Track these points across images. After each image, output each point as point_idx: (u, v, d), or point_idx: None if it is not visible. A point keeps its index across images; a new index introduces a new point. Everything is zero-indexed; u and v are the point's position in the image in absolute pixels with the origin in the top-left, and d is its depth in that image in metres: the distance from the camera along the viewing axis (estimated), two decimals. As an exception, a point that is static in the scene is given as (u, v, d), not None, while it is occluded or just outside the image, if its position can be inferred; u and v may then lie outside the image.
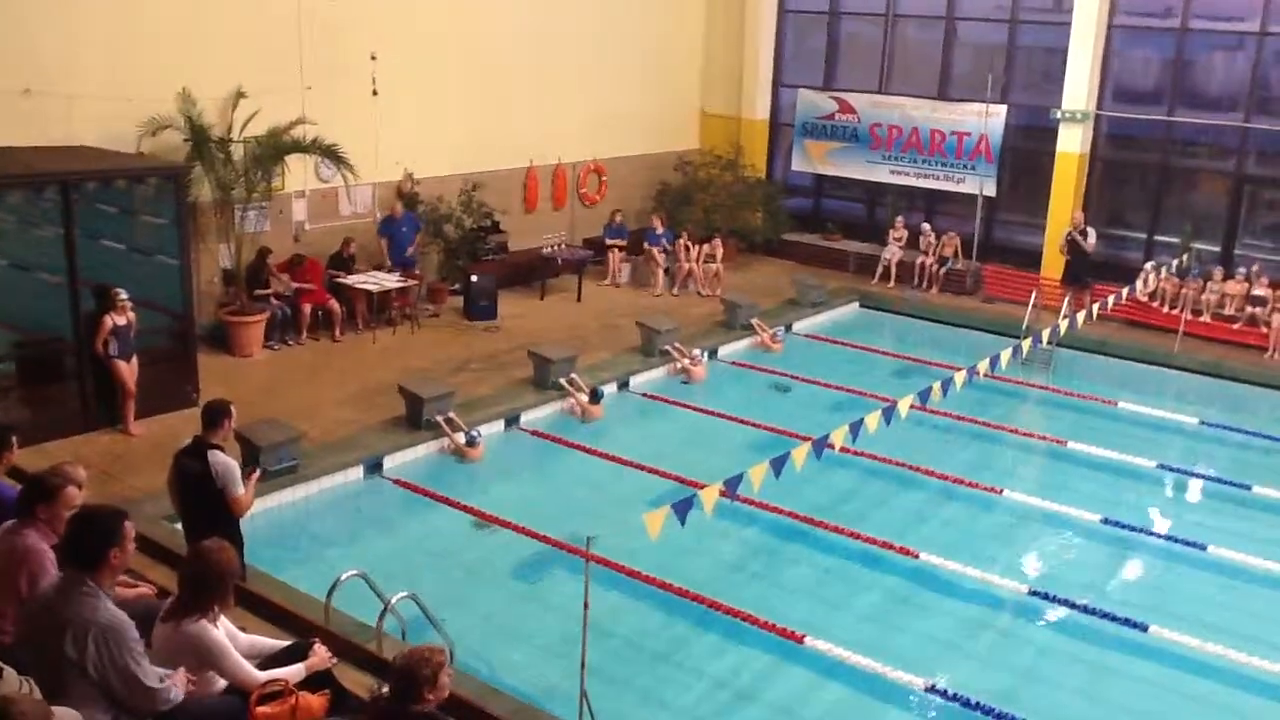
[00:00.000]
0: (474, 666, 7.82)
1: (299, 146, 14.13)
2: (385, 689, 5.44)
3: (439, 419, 11.93)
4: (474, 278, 16.29)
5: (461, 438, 11.81)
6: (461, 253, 16.81)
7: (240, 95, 13.84)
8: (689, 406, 13.71)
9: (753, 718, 7.98)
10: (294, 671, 6.02)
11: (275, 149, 13.92)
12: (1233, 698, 8.45)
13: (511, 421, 12.87)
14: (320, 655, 6.22)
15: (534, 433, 12.77)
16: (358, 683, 6.80)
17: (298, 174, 14.92)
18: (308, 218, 15.48)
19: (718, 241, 19.04)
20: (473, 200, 16.96)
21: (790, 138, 21.71)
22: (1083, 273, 17.41)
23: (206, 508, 7.73)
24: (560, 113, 18.68)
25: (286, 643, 6.47)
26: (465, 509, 10.65)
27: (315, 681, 6.09)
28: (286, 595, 8.33)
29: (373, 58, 15.59)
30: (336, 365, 14.02)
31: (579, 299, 17.70)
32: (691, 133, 21.89)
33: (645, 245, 18.95)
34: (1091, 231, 17.50)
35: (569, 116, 18.88)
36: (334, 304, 14.99)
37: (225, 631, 5.90)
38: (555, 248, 18.53)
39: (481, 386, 13.48)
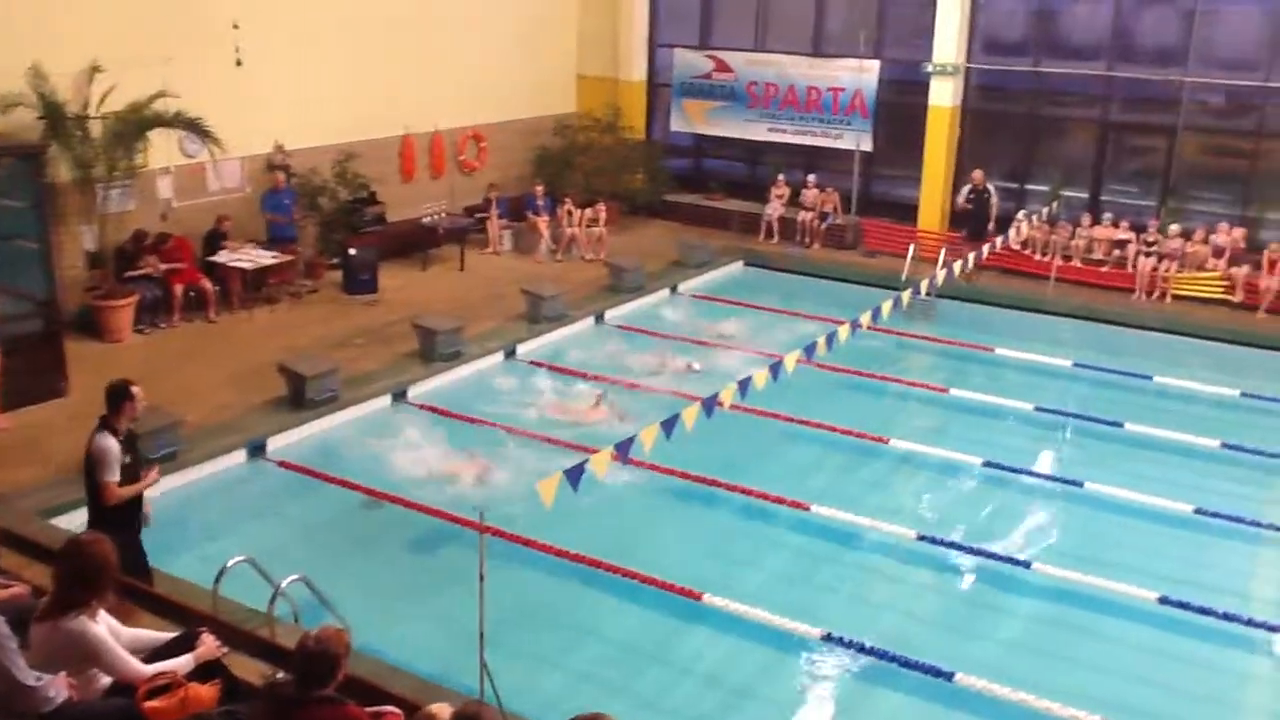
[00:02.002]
0: (373, 646, 7.69)
1: (161, 121, 13.58)
2: (281, 675, 5.30)
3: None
4: (352, 251, 15.93)
5: None
6: (338, 226, 16.41)
7: (95, 69, 13.22)
8: (580, 374, 13.65)
9: (655, 676, 8.03)
10: (182, 663, 5.84)
11: (136, 124, 13.36)
12: (1113, 626, 8.81)
13: (399, 396, 12.67)
14: (209, 645, 6.04)
15: (423, 406, 12.59)
16: (251, 670, 6.64)
17: (162, 150, 14.30)
18: (175, 195, 14.90)
19: (600, 205, 18.95)
20: (347, 171, 16.55)
21: (669, 98, 21.67)
22: (984, 229, 17.77)
23: (90, 488, 7.59)
24: (435, 79, 18.31)
25: (173, 635, 6.28)
26: (355, 487, 10.45)
27: (205, 672, 5.91)
28: (171, 586, 8.07)
29: (235, 26, 15.03)
30: (213, 347, 13.60)
31: (462, 268, 17.47)
32: (569, 96, 21.69)
33: (527, 212, 18.76)
34: (993, 189, 17.96)
35: (444, 83, 18.52)
36: (206, 284, 14.51)
37: (107, 627, 5.69)
38: (435, 217, 18.23)
39: (366, 362, 13.23)
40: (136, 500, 7.74)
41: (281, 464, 11.00)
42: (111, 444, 7.41)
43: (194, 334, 14.06)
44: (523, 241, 18.78)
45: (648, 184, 20.83)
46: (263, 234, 15.59)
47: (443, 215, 18.40)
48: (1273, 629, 8.67)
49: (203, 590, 7.78)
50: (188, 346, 13.57)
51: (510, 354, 14.16)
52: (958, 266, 14.00)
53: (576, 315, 15.38)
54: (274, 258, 14.96)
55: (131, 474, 7.61)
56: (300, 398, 11.76)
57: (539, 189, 18.86)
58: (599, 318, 15.71)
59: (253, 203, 15.72)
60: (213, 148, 13.86)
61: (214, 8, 14.82)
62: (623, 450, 8.08)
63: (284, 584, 7.30)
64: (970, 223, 18.11)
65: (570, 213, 18.67)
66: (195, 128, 13.77)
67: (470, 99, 19.02)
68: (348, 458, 11.18)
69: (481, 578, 6.94)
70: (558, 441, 11.28)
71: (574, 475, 7.68)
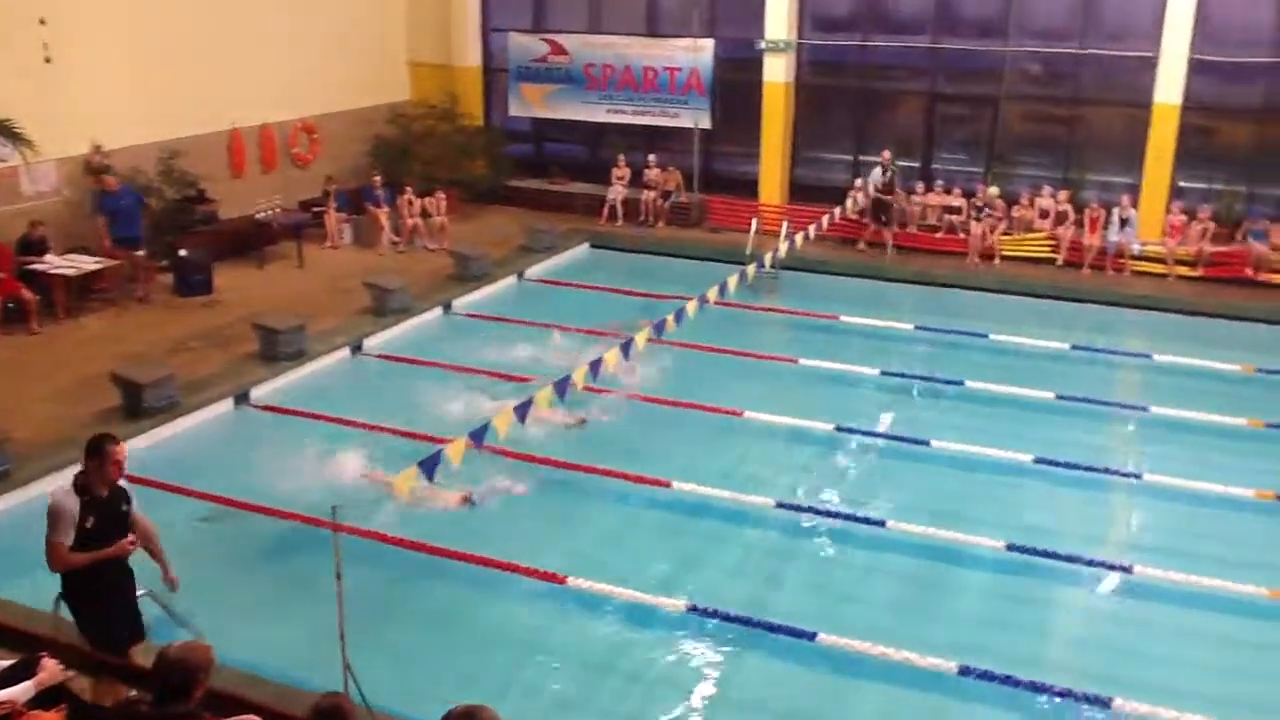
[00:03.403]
0: (232, 657, 7.40)
1: (-36, 123, 12.82)
2: (134, 693, 5.06)
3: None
4: (183, 252, 15.32)
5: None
6: (167, 226, 15.75)
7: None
8: (430, 363, 13.43)
9: (524, 664, 7.95)
10: (21, 690, 5.51)
11: (-64, 128, 12.58)
12: (966, 576, 9.13)
13: (241, 399, 12.24)
14: (50, 669, 5.71)
15: (267, 408, 12.19)
16: (100, 692, 6.32)
17: (-33, 154, 13.52)
18: (-16, 201, 14.10)
19: (440, 194, 18.65)
20: (173, 170, 15.90)
21: (505, 83, 21.47)
22: (887, 211, 18.02)
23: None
24: (261, 71, 17.72)
25: (10, 661, 5.92)
26: (201, 496, 10.04)
27: (49, 698, 5.59)
28: (8, 612, 7.62)
29: (42, 22, 14.25)
30: (38, 359, 12.90)
31: (301, 265, 16.98)
32: (402, 84, 21.26)
33: (366, 204, 18.35)
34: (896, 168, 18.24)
35: (271, 74, 17.95)
36: (26, 293, 13.74)
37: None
38: (270, 213, 17.66)
39: (204, 365, 12.75)
40: (116, 568, 6.72)
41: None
42: (68, 502, 6.47)
43: (15, 347, 13.31)
44: (363, 234, 18.36)
45: (488, 170, 20.61)
46: (87, 238, 14.82)
47: (277, 210, 17.83)
48: (1112, 567, 9.09)
49: (40, 614, 7.37)
50: (9, 360, 12.85)
51: (357, 349, 13.83)
52: (799, 238, 14.28)
53: (423, 306, 15.13)
54: (96, 263, 14.27)
55: (98, 540, 6.58)
56: (137, 407, 11.26)
57: (377, 179, 18.46)
58: (447, 307, 15.47)
59: (74, 206, 14.94)
60: (24, 150, 13.12)
61: (17, 3, 14.00)
62: (477, 437, 7.98)
63: (134, 598, 6.98)
64: (881, 207, 18.14)
65: (411, 202, 18.34)
66: (3, 130, 13.01)
67: (299, 89, 18.49)
68: (191, 466, 10.74)
69: (338, 577, 6.77)
70: (411, 434, 11.06)
71: (429, 466, 7.56)
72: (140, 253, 15.02)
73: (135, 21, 15.64)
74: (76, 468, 10.20)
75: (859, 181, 18.66)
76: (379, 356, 13.79)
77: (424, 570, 8.96)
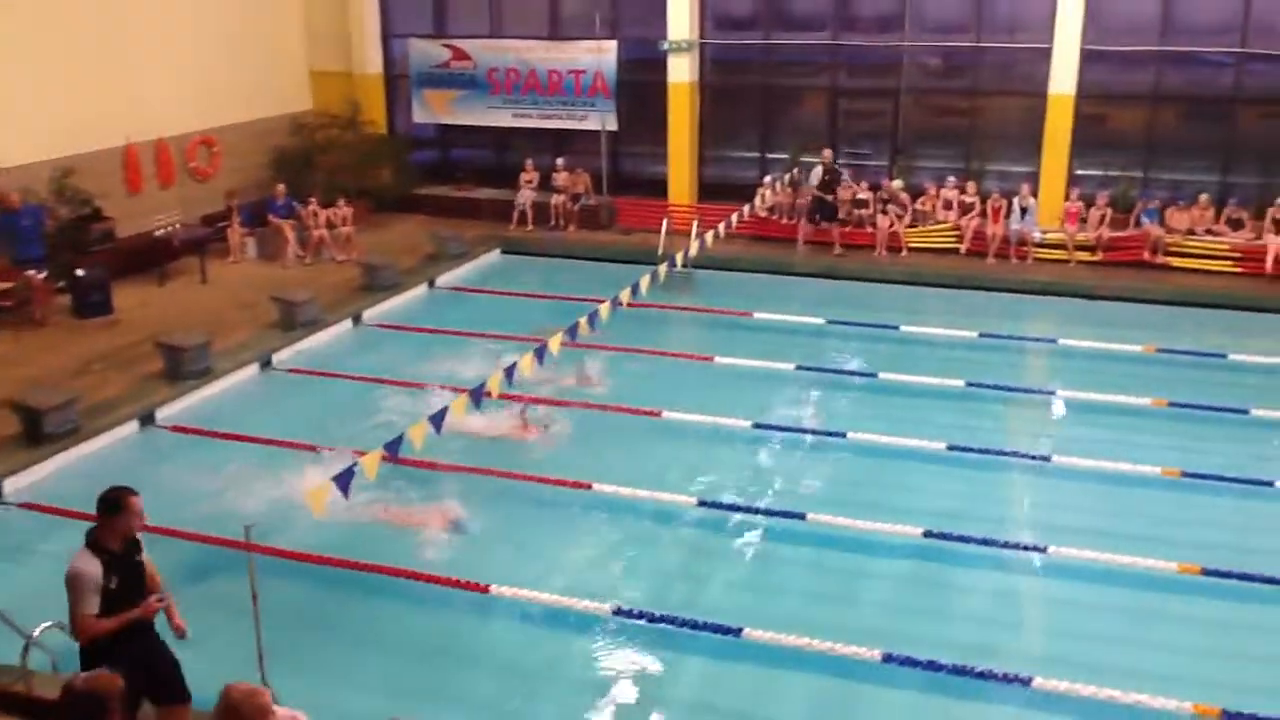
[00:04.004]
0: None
1: None
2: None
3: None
4: (81, 271, 14.87)
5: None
6: (63, 246, 15.26)
7: None
8: (342, 376, 13.22)
9: (450, 674, 7.85)
10: None
11: None
12: (885, 565, 9.23)
13: (147, 420, 11.91)
14: None
15: (175, 428, 11.88)
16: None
17: None
18: None
19: (345, 204, 18.35)
20: (66, 188, 15.43)
21: (408, 90, 21.22)
22: (835, 211, 18.01)
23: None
24: (156, 84, 17.28)
25: None
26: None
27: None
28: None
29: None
30: (-72, 388, 12.42)
31: (204, 280, 16.59)
32: (303, 93, 20.89)
33: (269, 216, 18.00)
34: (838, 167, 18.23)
35: (166, 87, 17.51)
36: (-86, 320, 13.27)
37: None
38: (170, 229, 17.23)
39: (107, 388, 12.38)
40: (139, 626, 6.23)
41: (23, 505, 10.14)
42: (89, 567, 6.01)
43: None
44: (268, 247, 18.00)
45: (395, 178, 20.37)
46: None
47: (177, 226, 17.39)
48: (1026, 548, 9.26)
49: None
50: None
51: (266, 364, 13.55)
52: (710, 237, 14.34)
53: (332, 318, 14.88)
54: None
55: (126, 599, 6.13)
56: (37, 433, 10.90)
57: (280, 191, 18.12)
58: (357, 319, 15.25)
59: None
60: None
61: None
62: (392, 449, 7.87)
63: (37, 632, 6.74)
64: (821, 206, 18.09)
65: (316, 213, 18.03)
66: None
67: (196, 102, 18.07)
68: (97, 491, 10.39)
69: (254, 597, 6.63)
70: (324, 448, 10.85)
71: (343, 480, 7.43)
72: (41, 274, 14.55)
73: (20, 34, 15.14)
74: (-26, 498, 10.00)
75: (767, 179, 18.80)
76: (289, 371, 13.53)
77: (343, 585, 8.81)
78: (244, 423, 11.81)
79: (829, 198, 17.97)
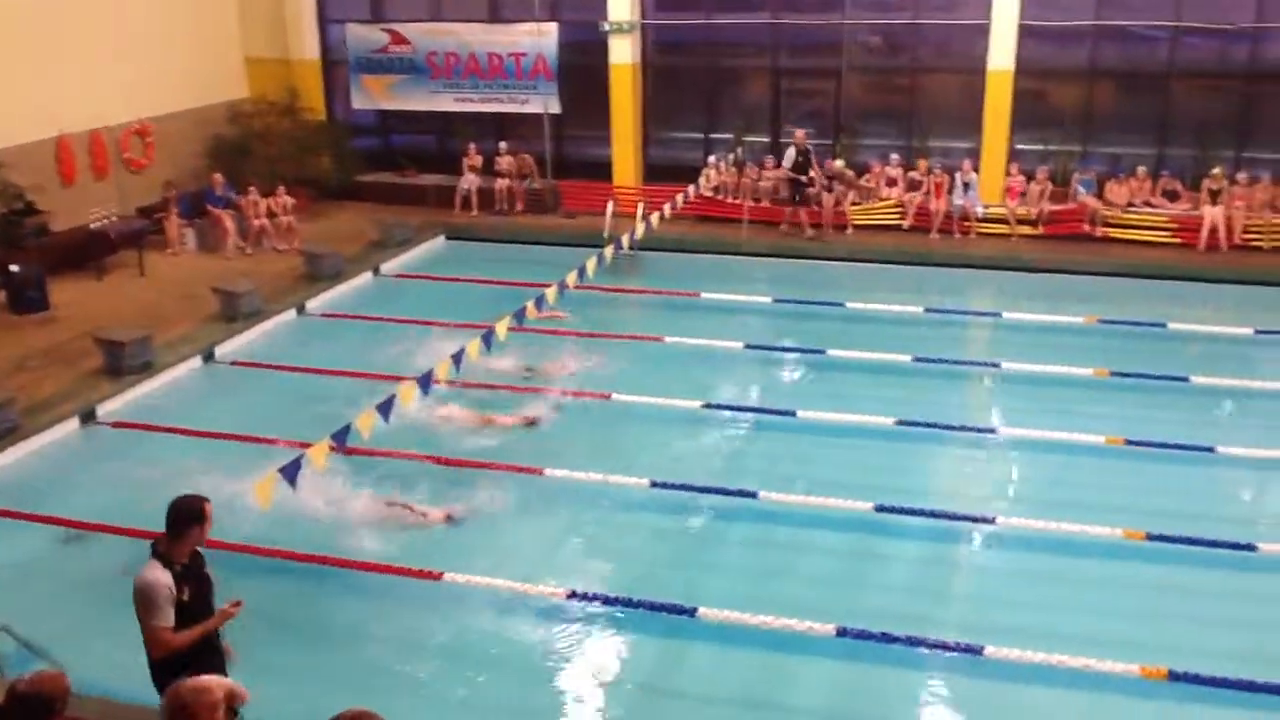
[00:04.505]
0: (101, 685, 7.08)
1: None
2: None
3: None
4: (14, 267, 14.54)
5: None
6: (-6, 242, 14.95)
7: None
8: (287, 367, 13.06)
9: (404, 664, 7.79)
10: None
11: None
12: (836, 540, 9.31)
13: (88, 417, 11.69)
14: None
15: (117, 424, 11.67)
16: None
17: None
18: None
19: (285, 192, 18.10)
20: (-4, 182, 15.11)
21: (347, 75, 20.94)
22: (802, 192, 17.93)
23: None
24: (87, 73, 16.89)
25: None
26: (53, 521, 9.54)
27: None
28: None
29: None
30: None
31: (143, 273, 16.29)
32: (239, 80, 20.53)
33: (208, 206, 17.70)
34: (811, 147, 18.09)
35: (99, 76, 17.12)
36: None
37: None
38: (106, 221, 16.89)
39: (46, 385, 12.14)
40: (206, 640, 5.97)
41: (-39, 507, 9.92)
42: (161, 577, 5.72)
43: None
44: (207, 238, 17.72)
45: (336, 166, 20.09)
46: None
47: (113, 219, 17.07)
48: (975, 520, 9.36)
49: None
50: None
51: (208, 357, 13.35)
52: (655, 219, 14.32)
53: (276, 309, 14.70)
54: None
55: (198, 612, 5.89)
56: (-28, 433, 10.66)
57: (218, 181, 17.83)
58: (301, 309, 15.05)
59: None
60: None
61: None
62: (340, 439, 7.78)
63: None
64: (795, 187, 17.98)
65: (255, 203, 17.77)
66: None
67: (129, 91, 17.69)
68: (39, 491, 10.22)
69: (203, 593, 6.51)
70: (272, 440, 10.71)
71: (290, 473, 7.34)
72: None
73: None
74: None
75: (712, 159, 18.80)
76: (233, 363, 13.34)
77: (294, 578, 8.70)
78: (188, 417, 11.63)
79: (804, 179, 17.92)
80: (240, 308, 14.17)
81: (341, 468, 9.82)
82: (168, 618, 5.70)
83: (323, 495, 9.55)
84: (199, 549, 5.99)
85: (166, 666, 5.68)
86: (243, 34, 20.57)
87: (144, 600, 5.69)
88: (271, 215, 17.80)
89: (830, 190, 18.07)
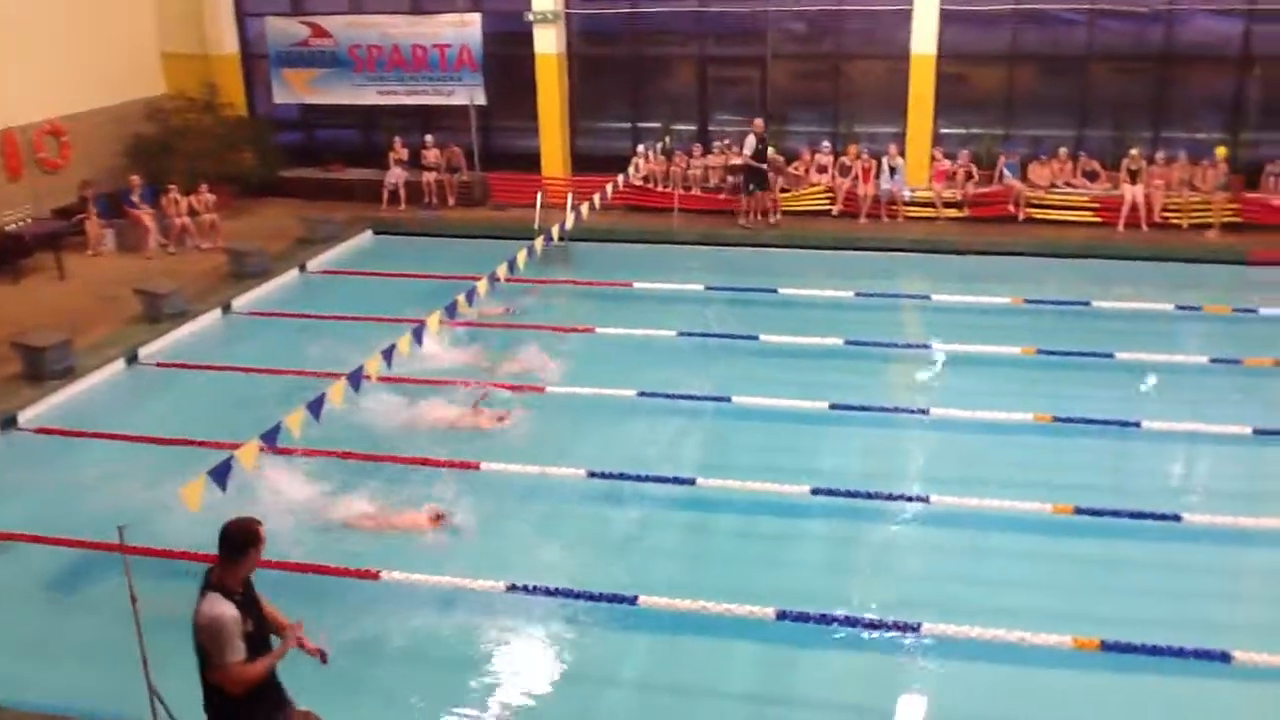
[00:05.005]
0: (29, 701, 6.91)
1: None
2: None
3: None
4: (-75, 273, 14.15)
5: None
6: (-97, 247, 14.50)
7: None
8: (214, 367, 12.82)
9: (341, 662, 7.67)
10: None
11: None
12: (774, 524, 9.36)
13: (8, 424, 11.37)
14: None
15: (39, 430, 11.38)
16: None
17: None
18: None
19: (207, 190, 17.75)
20: (-97, 185, 14.64)
21: (267, 70, 20.58)
22: (765, 178, 17.85)
23: (202, 668, 5.53)
24: (-4, 71, 16.46)
25: None
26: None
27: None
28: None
29: None
30: None
31: (61, 276, 15.88)
32: (156, 77, 20.06)
33: (127, 207, 17.31)
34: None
35: (8, 74, 16.66)
36: None
37: None
38: (20, 223, 16.44)
39: (-38, 393, 11.81)
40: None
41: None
42: (227, 610, 5.39)
43: None
44: (128, 239, 17.33)
45: (258, 162, 19.77)
46: None
47: (28, 221, 16.63)
48: (909, 499, 9.47)
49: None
50: None
51: (132, 360, 13.06)
52: (585, 209, 14.29)
53: (200, 309, 14.43)
54: None
55: (260, 641, 5.58)
56: (-115, 444, 10.33)
57: (136, 180, 17.44)
58: (226, 308, 14.78)
59: None
60: None
61: None
62: (269, 439, 7.65)
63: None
64: (753, 175, 17.85)
65: (176, 201, 17.41)
66: None
67: (42, 89, 17.27)
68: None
69: (134, 600, 6.38)
70: (200, 442, 10.50)
71: (219, 474, 7.20)
72: None
73: None
74: None
75: (641, 148, 18.79)
76: (158, 365, 13.08)
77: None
78: (112, 421, 11.38)
79: (764, 166, 17.88)
80: (164, 308, 13.90)
81: (279, 465, 9.67)
82: (241, 651, 5.41)
83: (252, 497, 9.40)
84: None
85: (238, 703, 5.50)
86: (159, 29, 20.10)
87: (214, 637, 5.36)
88: (194, 213, 17.45)
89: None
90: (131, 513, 8.73)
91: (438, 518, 9.34)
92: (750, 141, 17.77)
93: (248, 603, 5.54)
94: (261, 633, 5.60)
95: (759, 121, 17.97)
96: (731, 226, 17.74)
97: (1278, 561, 9.01)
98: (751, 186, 17.85)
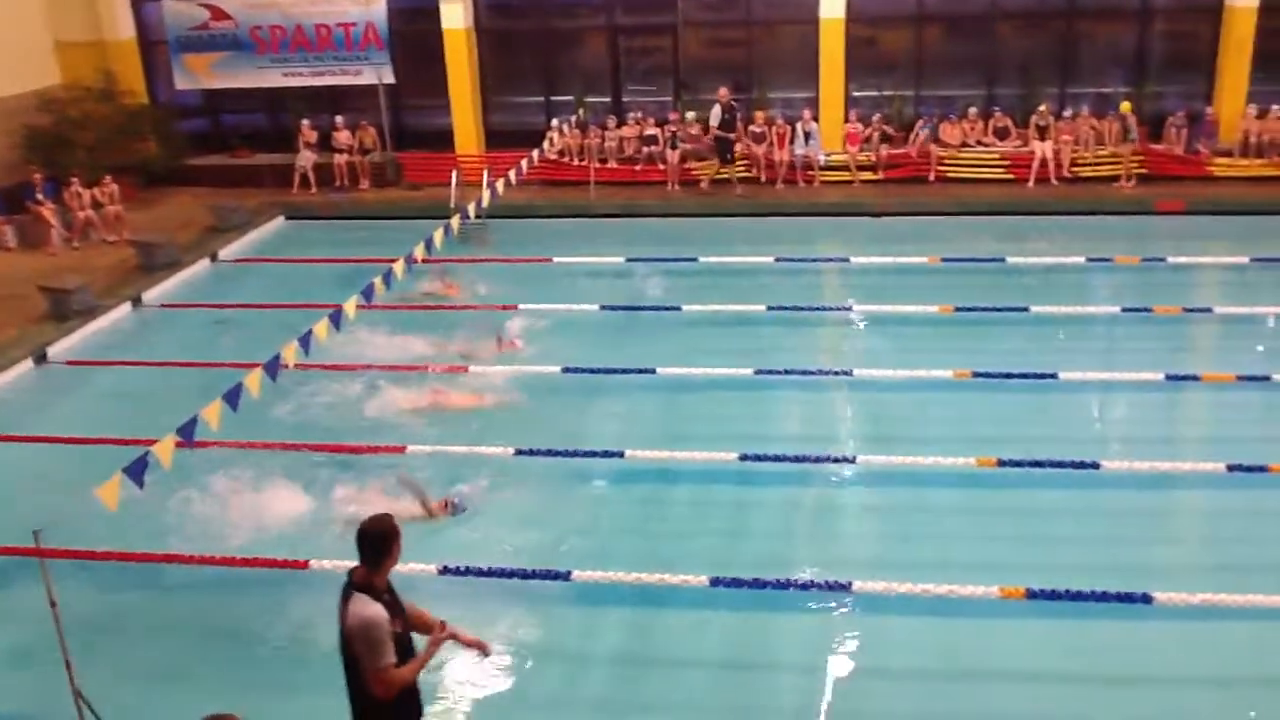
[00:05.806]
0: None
1: None
2: None
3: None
4: None
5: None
6: None
7: None
8: (127, 363, 12.50)
9: (269, 659, 7.56)
10: None
11: None
12: (704, 492, 9.43)
13: (-93, 432, 10.99)
14: None
15: (-56, 437, 11.01)
16: None
17: None
18: None
19: (110, 181, 17.25)
20: None
21: (167, 55, 20.02)
22: (732, 147, 17.76)
23: (351, 674, 5.33)
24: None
25: None
26: None
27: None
28: None
29: None
30: None
31: (-40, 275, 15.41)
32: (49, 66, 19.38)
33: (27, 202, 16.76)
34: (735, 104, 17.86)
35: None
36: None
37: None
38: (-85, 223, 15.88)
39: None
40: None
41: None
42: (379, 612, 5.19)
43: None
44: (29, 235, 16.80)
45: (162, 150, 19.27)
46: None
47: (-77, 219, 16.05)
48: (836, 460, 9.56)
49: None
50: None
51: (41, 359, 12.68)
52: (500, 185, 14.14)
53: (109, 304, 14.06)
54: None
55: (407, 643, 5.40)
56: None
57: (36, 175, 16.88)
58: (136, 302, 14.41)
59: None
60: None
61: None
62: (186, 433, 7.48)
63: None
64: (722, 145, 17.80)
65: (79, 194, 16.91)
66: None
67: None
68: None
69: (53, 604, 6.21)
70: (115, 440, 10.22)
71: (136, 471, 7.01)
72: None
73: None
74: None
75: (555, 122, 18.65)
76: (68, 364, 12.71)
77: (147, 580, 8.37)
78: (22, 423, 11.05)
79: (731, 136, 17.79)
80: (71, 305, 13.52)
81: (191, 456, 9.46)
82: (392, 653, 5.23)
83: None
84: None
85: (388, 710, 5.32)
86: (50, 16, 19.40)
87: (368, 640, 5.17)
88: (97, 206, 16.97)
89: (675, 147, 18.11)
90: (48, 515, 8.52)
91: (448, 505, 9.14)
92: (716, 111, 17.73)
93: (396, 605, 5.40)
94: (407, 634, 5.44)
95: (724, 90, 17.86)
96: (649, 196, 17.69)
97: (1194, 504, 9.30)
98: (728, 156, 17.82)
